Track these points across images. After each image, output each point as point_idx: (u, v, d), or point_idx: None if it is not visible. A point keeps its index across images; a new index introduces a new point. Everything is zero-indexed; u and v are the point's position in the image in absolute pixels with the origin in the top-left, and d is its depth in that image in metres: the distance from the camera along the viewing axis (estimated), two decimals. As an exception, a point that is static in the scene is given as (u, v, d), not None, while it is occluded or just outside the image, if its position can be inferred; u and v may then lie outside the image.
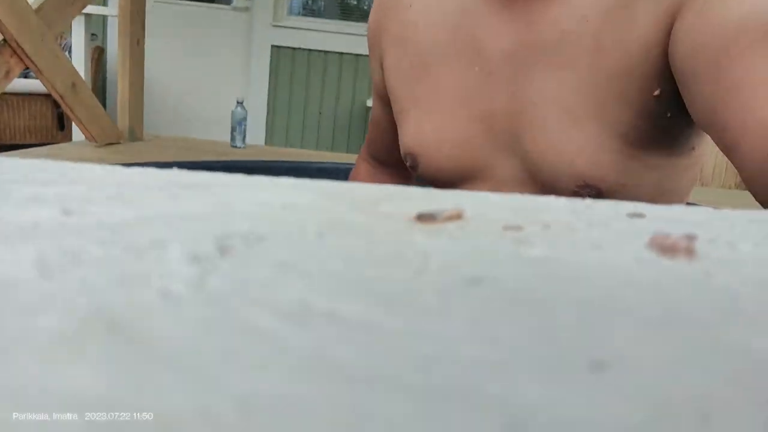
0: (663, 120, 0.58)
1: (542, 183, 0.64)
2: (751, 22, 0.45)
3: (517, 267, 0.14)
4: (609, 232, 0.18)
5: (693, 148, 0.62)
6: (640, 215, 0.19)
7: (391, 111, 0.80)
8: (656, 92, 0.56)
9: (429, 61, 0.70)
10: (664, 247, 0.15)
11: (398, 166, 0.89)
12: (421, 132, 0.71)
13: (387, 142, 0.88)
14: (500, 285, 0.13)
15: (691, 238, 0.16)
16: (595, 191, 0.61)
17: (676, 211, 0.20)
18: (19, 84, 3.21)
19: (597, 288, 0.13)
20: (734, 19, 0.46)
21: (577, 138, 0.60)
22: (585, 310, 0.12)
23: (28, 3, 1.59)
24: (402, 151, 0.75)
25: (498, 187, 0.68)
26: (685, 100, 0.52)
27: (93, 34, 3.81)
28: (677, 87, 0.54)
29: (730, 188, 4.12)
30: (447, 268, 0.14)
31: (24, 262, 0.14)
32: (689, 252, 0.15)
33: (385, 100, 0.82)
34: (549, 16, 0.61)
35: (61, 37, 3.54)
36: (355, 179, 0.96)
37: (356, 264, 0.14)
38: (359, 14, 4.12)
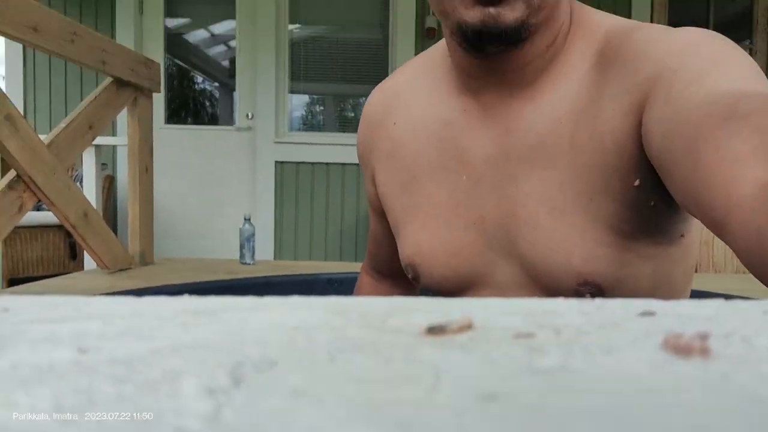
0: (648, 209, 0.60)
1: (543, 284, 0.66)
2: (714, 105, 0.47)
3: (531, 379, 0.14)
4: (621, 334, 0.17)
5: (682, 236, 0.64)
6: (650, 313, 0.19)
7: (388, 224, 0.82)
8: (636, 182, 0.59)
9: (418, 174, 0.73)
10: (678, 347, 0.15)
11: (400, 277, 0.89)
12: (418, 243, 0.73)
13: (386, 254, 0.90)
14: (515, 400, 0.13)
15: (704, 336, 0.16)
16: (596, 288, 0.62)
17: (687, 306, 0.20)
18: (31, 217, 3.29)
19: (613, 397, 0.13)
20: (700, 103, 0.48)
21: (570, 234, 0.62)
22: (603, 422, 0.12)
23: (40, 139, 1.67)
24: (402, 263, 0.77)
25: (500, 292, 0.69)
26: (668, 187, 0.53)
27: (103, 164, 3.96)
28: (656, 175, 0.56)
29: (745, 273, 4.08)
30: (460, 385, 0.14)
31: (40, 406, 0.14)
32: (704, 351, 0.15)
33: (380, 213, 0.85)
34: (524, 121, 0.66)
35: (72, 168, 3.68)
36: (359, 293, 0.99)
37: (368, 386, 0.14)
38: (356, 125, 4.29)
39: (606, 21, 0.67)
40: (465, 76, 0.70)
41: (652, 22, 3.90)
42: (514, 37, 0.61)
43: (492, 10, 0.58)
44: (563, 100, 0.64)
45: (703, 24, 4.10)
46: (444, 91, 0.73)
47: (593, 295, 0.62)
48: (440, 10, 0.64)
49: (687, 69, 0.54)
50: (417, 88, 0.76)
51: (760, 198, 0.39)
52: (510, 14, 0.58)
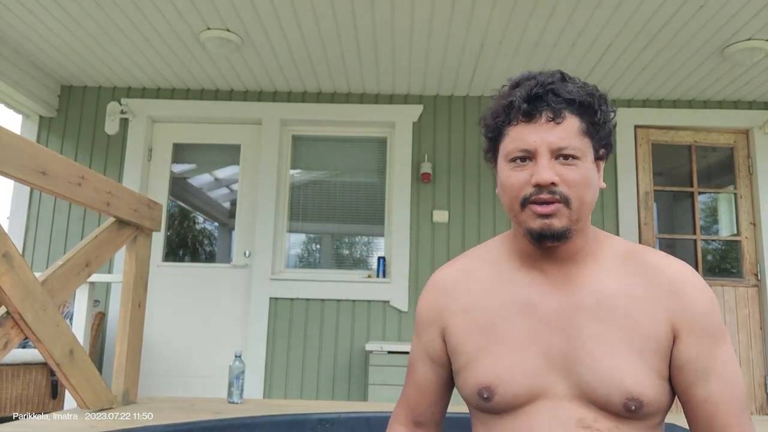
0: (668, 369, 0.99)
1: (596, 398, 0.97)
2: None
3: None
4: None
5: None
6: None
7: (444, 372, 1.13)
8: (666, 354, 0.99)
9: (495, 320, 1.04)
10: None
11: (437, 427, 1.18)
12: (497, 368, 1.01)
13: (430, 403, 1.15)
14: None
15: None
16: (639, 403, 0.95)
17: None
18: (15, 354, 3.22)
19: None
20: (713, 336, 0.99)
21: (624, 366, 0.96)
22: None
23: (35, 276, 1.69)
24: (474, 389, 1.03)
25: (555, 402, 0.99)
26: (677, 393, 1.01)
27: (96, 300, 3.95)
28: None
29: (752, 414, 3.95)
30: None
31: None
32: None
33: (439, 363, 1.13)
34: (584, 284, 1.02)
35: (64, 305, 3.66)
36: None
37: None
38: (352, 262, 4.35)
39: (619, 241, 1.10)
40: (532, 259, 1.06)
41: (637, 171, 4.12)
42: (562, 237, 0.99)
43: (547, 221, 0.98)
44: (608, 281, 1.01)
45: (687, 172, 4.30)
46: (510, 268, 1.08)
47: (635, 409, 0.96)
48: (515, 219, 1.03)
49: (708, 321, 0.99)
50: (485, 267, 1.11)
51: None
52: (558, 223, 0.98)
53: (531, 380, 0.99)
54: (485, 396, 1.01)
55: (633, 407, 0.95)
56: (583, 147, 0.99)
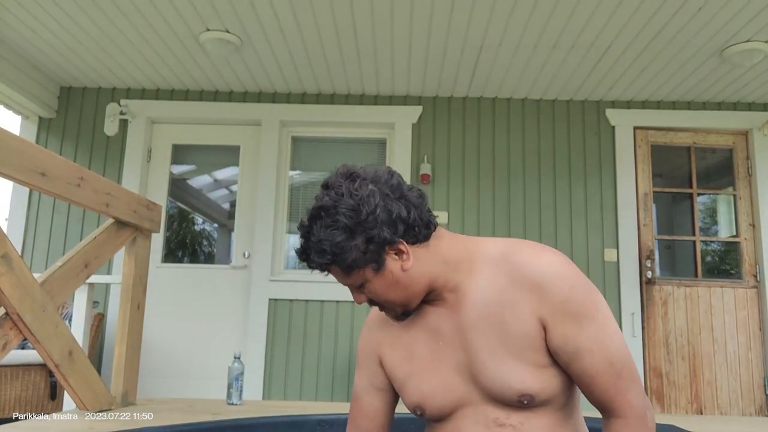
0: (548, 356, 1.11)
1: (499, 400, 1.12)
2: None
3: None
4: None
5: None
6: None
7: (389, 397, 1.29)
8: (542, 345, 1.11)
9: (414, 348, 1.22)
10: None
11: None
12: (422, 389, 1.19)
13: (379, 426, 1.29)
14: None
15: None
16: (530, 396, 1.10)
17: None
18: (13, 355, 3.22)
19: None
20: (577, 318, 1.09)
21: (507, 368, 1.10)
22: None
23: (33, 278, 1.69)
24: (410, 408, 1.21)
25: (473, 407, 1.16)
26: (558, 358, 1.12)
27: (95, 301, 3.95)
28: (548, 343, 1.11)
29: (751, 415, 3.95)
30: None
31: None
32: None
33: (385, 389, 1.29)
34: (467, 302, 1.16)
35: (63, 305, 3.66)
36: None
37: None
38: (352, 264, 4.35)
39: (492, 245, 1.21)
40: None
41: (636, 172, 4.13)
42: (408, 315, 1.22)
43: (390, 314, 1.22)
44: (484, 293, 1.14)
45: (686, 173, 4.31)
46: (421, 305, 1.22)
47: (528, 402, 1.10)
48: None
49: (568, 305, 1.09)
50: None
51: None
52: (393, 315, 1.21)
53: (450, 393, 1.17)
54: (418, 413, 1.20)
55: (526, 401, 1.10)
56: (360, 276, 1.13)
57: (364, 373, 1.30)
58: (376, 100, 4.31)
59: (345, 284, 1.16)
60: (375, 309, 1.27)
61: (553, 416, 1.13)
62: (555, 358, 1.10)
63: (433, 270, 1.16)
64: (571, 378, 1.12)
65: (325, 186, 1.17)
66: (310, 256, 1.13)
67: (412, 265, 1.14)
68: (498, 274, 1.14)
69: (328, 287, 4.08)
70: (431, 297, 1.20)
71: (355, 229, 1.10)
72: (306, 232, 1.14)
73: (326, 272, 1.15)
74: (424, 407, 1.18)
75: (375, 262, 1.12)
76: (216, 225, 4.67)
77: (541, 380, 1.10)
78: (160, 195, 4.27)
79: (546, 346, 1.10)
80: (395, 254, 1.13)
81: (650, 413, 1.10)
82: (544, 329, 1.09)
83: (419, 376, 1.20)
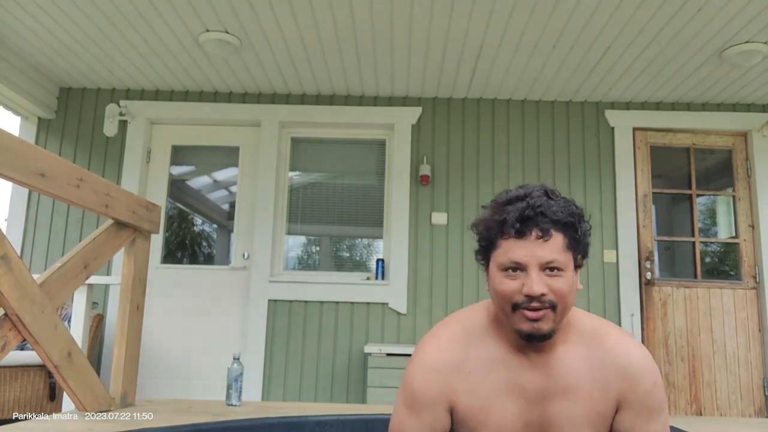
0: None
1: None
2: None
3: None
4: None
5: None
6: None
7: None
8: (610, 421, 1.25)
9: (494, 399, 1.23)
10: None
11: None
12: None
13: None
14: None
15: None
16: None
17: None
18: (13, 356, 3.22)
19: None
20: (650, 413, 1.23)
21: None
22: None
23: (33, 278, 1.69)
24: None
25: None
26: None
27: (94, 302, 3.94)
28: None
29: (750, 416, 3.95)
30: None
31: None
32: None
33: None
34: (557, 369, 1.23)
35: (62, 306, 3.66)
36: None
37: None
38: (351, 264, 4.35)
39: (584, 318, 1.29)
40: (519, 345, 1.24)
41: (635, 173, 4.13)
42: (548, 338, 1.19)
43: (536, 324, 1.16)
44: (576, 367, 1.23)
45: (686, 174, 4.31)
46: (501, 350, 1.25)
47: None
48: (506, 318, 1.20)
49: (648, 399, 1.22)
50: (477, 348, 1.26)
51: None
52: (545, 326, 1.17)
53: None
54: None
55: None
56: (567, 260, 1.17)
57: (427, 418, 1.25)
58: (375, 101, 4.31)
59: (548, 260, 1.15)
60: (438, 352, 1.27)
61: None
62: None
63: None
64: None
65: (537, 186, 1.23)
66: (552, 210, 1.16)
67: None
68: (591, 350, 1.24)
69: (327, 288, 4.08)
70: (537, 345, 1.23)
71: (583, 218, 1.22)
72: (546, 193, 1.19)
73: (549, 237, 1.15)
74: None
75: (579, 256, 1.21)
76: (215, 226, 4.67)
77: None
78: (159, 196, 4.27)
79: (611, 422, 1.24)
80: (579, 267, 1.23)
81: None
82: (617, 410, 1.23)
83: (494, 425, 1.23)
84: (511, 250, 1.16)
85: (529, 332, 1.16)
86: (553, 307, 1.15)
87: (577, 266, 1.21)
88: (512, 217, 1.16)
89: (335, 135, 4.39)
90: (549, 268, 1.15)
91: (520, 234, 1.15)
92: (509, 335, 1.24)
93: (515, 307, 1.16)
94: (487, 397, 1.23)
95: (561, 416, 1.21)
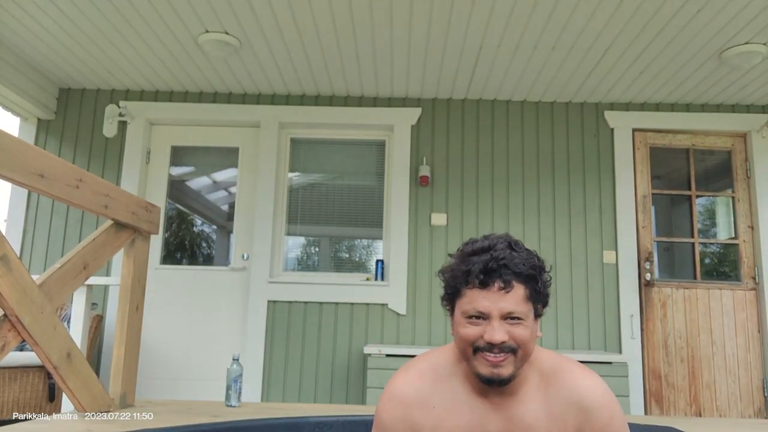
0: None
1: None
2: None
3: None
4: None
5: None
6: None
7: None
8: None
9: None
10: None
11: None
12: None
13: None
14: None
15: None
16: None
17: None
18: (12, 357, 3.22)
19: None
20: None
21: None
22: None
23: (32, 279, 1.69)
24: None
25: None
26: None
27: (94, 303, 3.94)
28: None
29: (750, 417, 3.95)
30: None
31: None
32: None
33: None
34: (517, 411, 1.28)
35: (62, 307, 3.65)
36: None
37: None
38: (350, 265, 4.35)
39: (545, 357, 1.34)
40: (481, 388, 1.29)
41: (635, 174, 4.14)
42: (508, 382, 1.25)
43: (496, 370, 1.22)
44: (534, 407, 1.28)
45: (685, 175, 4.31)
46: (465, 392, 1.30)
47: None
48: (467, 361, 1.27)
49: (606, 431, 1.27)
50: (443, 385, 1.31)
51: None
52: (505, 371, 1.23)
53: None
54: None
55: None
56: (527, 310, 1.24)
57: None
58: (375, 101, 4.31)
59: (509, 311, 1.22)
60: (405, 385, 1.32)
61: None
62: None
63: None
64: None
65: (501, 237, 1.31)
66: (515, 258, 1.24)
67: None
68: (549, 388, 1.30)
69: (327, 289, 4.08)
70: (498, 389, 1.29)
71: (544, 269, 1.29)
72: (509, 245, 1.27)
73: (510, 288, 1.22)
74: None
75: (538, 306, 1.28)
76: (215, 227, 4.67)
77: None
78: (158, 196, 4.27)
79: None
80: (539, 316, 1.29)
81: None
82: None
83: None
84: (475, 299, 1.23)
85: (489, 377, 1.23)
86: (513, 351, 1.23)
87: (537, 315, 1.28)
88: (476, 269, 1.23)
89: (335, 136, 4.39)
90: (510, 317, 1.22)
91: (484, 285, 1.23)
92: (472, 378, 1.30)
93: (476, 350, 1.24)
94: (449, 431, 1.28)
95: None
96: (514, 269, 1.23)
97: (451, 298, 1.31)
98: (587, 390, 1.29)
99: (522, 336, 1.22)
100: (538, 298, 1.27)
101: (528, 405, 1.29)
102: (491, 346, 1.22)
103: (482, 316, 1.23)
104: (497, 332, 1.21)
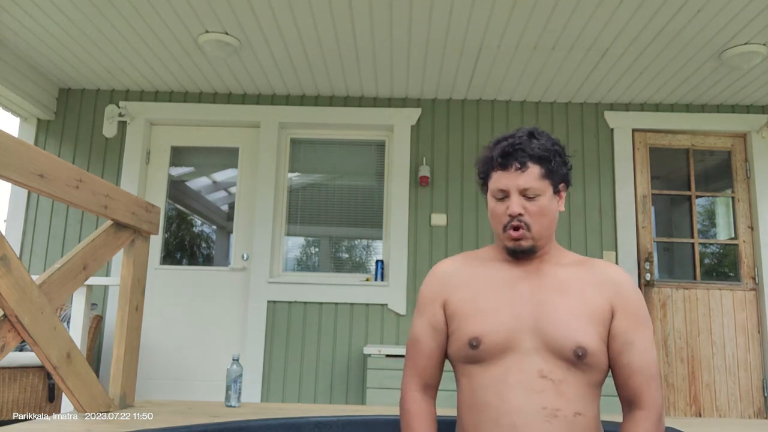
0: (606, 338, 1.40)
1: (553, 348, 1.35)
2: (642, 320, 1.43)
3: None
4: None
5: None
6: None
7: (443, 339, 1.49)
8: (606, 325, 1.41)
9: (485, 291, 1.45)
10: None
11: (436, 388, 1.53)
12: (484, 324, 1.39)
13: (433, 366, 1.50)
14: None
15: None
16: (584, 350, 1.34)
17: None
18: (12, 357, 3.21)
19: None
20: (639, 320, 1.42)
21: (576, 326, 1.36)
22: None
23: (32, 279, 1.69)
24: (466, 338, 1.40)
25: (522, 356, 1.36)
26: (611, 338, 1.41)
27: (93, 303, 3.94)
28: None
29: (749, 417, 3.95)
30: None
31: None
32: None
33: (440, 330, 1.49)
34: (549, 274, 1.45)
35: (61, 308, 3.65)
36: (411, 408, 1.49)
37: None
38: (350, 265, 4.35)
39: (574, 255, 1.53)
40: (509, 260, 1.49)
41: (634, 174, 4.14)
42: (529, 252, 1.45)
43: (517, 242, 1.43)
44: (567, 274, 1.45)
45: (685, 175, 4.31)
46: (497, 263, 1.50)
47: (579, 356, 1.34)
48: (498, 237, 1.49)
49: (637, 307, 1.42)
50: (477, 262, 1.53)
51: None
52: (525, 243, 1.43)
53: (508, 334, 1.37)
54: (474, 344, 1.38)
55: (580, 353, 1.33)
56: (543, 187, 1.42)
57: (425, 316, 1.51)
58: (375, 102, 4.31)
59: (525, 187, 1.41)
60: (442, 263, 1.56)
61: (586, 386, 1.35)
62: (609, 343, 1.38)
63: (555, 227, 1.48)
64: (613, 367, 1.39)
65: (526, 128, 1.50)
66: (533, 143, 1.43)
67: (559, 210, 1.48)
68: (580, 268, 1.46)
69: (326, 289, 4.08)
70: (528, 259, 1.47)
71: (563, 153, 1.48)
72: (531, 134, 1.46)
73: (526, 168, 1.41)
74: (482, 340, 1.37)
75: (559, 183, 1.46)
76: (215, 227, 4.67)
77: (597, 345, 1.35)
78: (158, 197, 4.27)
79: (609, 329, 1.39)
80: (561, 193, 1.49)
81: (663, 411, 1.39)
82: (612, 316, 1.40)
83: (484, 312, 1.40)
84: (497, 179, 1.44)
85: (512, 248, 1.44)
86: (528, 227, 1.41)
87: (557, 192, 1.47)
88: (497, 154, 1.45)
89: (334, 136, 4.39)
90: (527, 194, 1.41)
91: (503, 167, 1.43)
92: (506, 256, 1.49)
93: (504, 228, 1.43)
94: (476, 291, 1.45)
95: (556, 307, 1.38)
96: (528, 152, 1.41)
97: (483, 182, 1.51)
98: (618, 273, 1.46)
99: (534, 210, 1.41)
100: (553, 176, 1.44)
101: (559, 272, 1.45)
102: (512, 218, 1.41)
103: (504, 193, 1.43)
104: (514, 205, 1.40)
